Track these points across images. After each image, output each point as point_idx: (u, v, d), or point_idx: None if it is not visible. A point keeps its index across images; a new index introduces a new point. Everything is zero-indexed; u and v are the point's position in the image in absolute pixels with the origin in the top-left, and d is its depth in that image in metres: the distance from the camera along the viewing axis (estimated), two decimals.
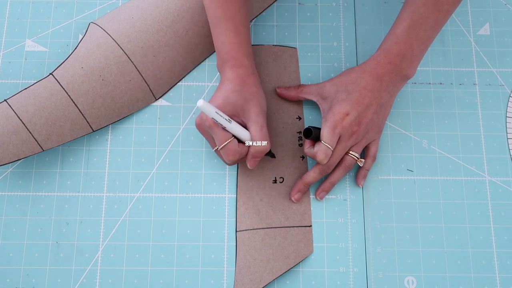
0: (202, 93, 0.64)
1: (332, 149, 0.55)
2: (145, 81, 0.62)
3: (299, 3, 0.68)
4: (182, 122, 0.63)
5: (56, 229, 0.59)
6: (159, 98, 0.64)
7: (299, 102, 0.64)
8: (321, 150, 0.55)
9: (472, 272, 0.58)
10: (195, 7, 0.64)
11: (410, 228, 0.60)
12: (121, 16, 0.63)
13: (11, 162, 0.57)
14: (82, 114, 0.60)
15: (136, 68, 0.61)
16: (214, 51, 0.65)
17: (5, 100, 0.58)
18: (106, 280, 0.58)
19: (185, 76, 0.65)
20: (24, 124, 0.57)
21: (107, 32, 0.61)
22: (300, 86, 0.62)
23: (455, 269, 0.59)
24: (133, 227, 0.59)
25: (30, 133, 0.57)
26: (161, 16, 0.63)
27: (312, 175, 0.58)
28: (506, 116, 0.64)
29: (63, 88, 0.59)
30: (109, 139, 0.62)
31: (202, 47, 0.65)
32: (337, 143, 0.56)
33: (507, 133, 0.63)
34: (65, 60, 0.60)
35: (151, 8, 0.63)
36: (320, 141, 0.55)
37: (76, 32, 0.66)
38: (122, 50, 0.61)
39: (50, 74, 0.60)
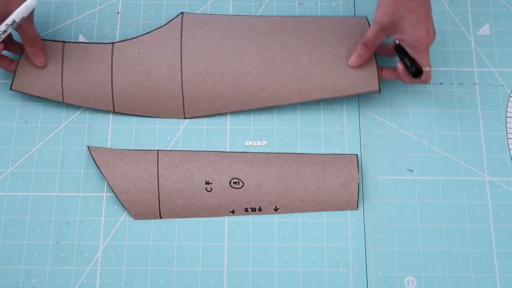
0: None
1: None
2: (182, 96, 0.62)
3: (299, 3, 0.68)
4: (182, 122, 0.63)
5: (56, 229, 0.59)
6: (187, 119, 0.63)
7: None
8: (430, 75, 0.58)
9: (472, 272, 0.58)
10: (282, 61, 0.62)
11: (410, 228, 0.60)
12: (204, 27, 0.63)
13: (30, 95, 0.60)
14: (112, 93, 0.61)
15: (181, 80, 0.61)
16: (246, 109, 0.62)
17: (63, 41, 0.63)
18: (106, 280, 0.58)
19: (220, 114, 0.63)
20: (62, 70, 0.60)
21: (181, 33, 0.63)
22: (364, 44, 0.60)
23: (455, 269, 0.59)
24: (133, 227, 0.59)
25: (62, 82, 0.60)
26: (237, 49, 0.62)
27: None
28: (506, 116, 0.64)
29: (112, 61, 0.61)
30: (109, 139, 0.62)
31: (251, 97, 0.62)
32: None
33: (507, 133, 0.63)
34: (137, 37, 0.63)
35: (234, 35, 0.63)
36: (422, 69, 0.57)
37: (76, 32, 0.66)
38: (180, 57, 0.61)
39: (111, 43, 0.63)
